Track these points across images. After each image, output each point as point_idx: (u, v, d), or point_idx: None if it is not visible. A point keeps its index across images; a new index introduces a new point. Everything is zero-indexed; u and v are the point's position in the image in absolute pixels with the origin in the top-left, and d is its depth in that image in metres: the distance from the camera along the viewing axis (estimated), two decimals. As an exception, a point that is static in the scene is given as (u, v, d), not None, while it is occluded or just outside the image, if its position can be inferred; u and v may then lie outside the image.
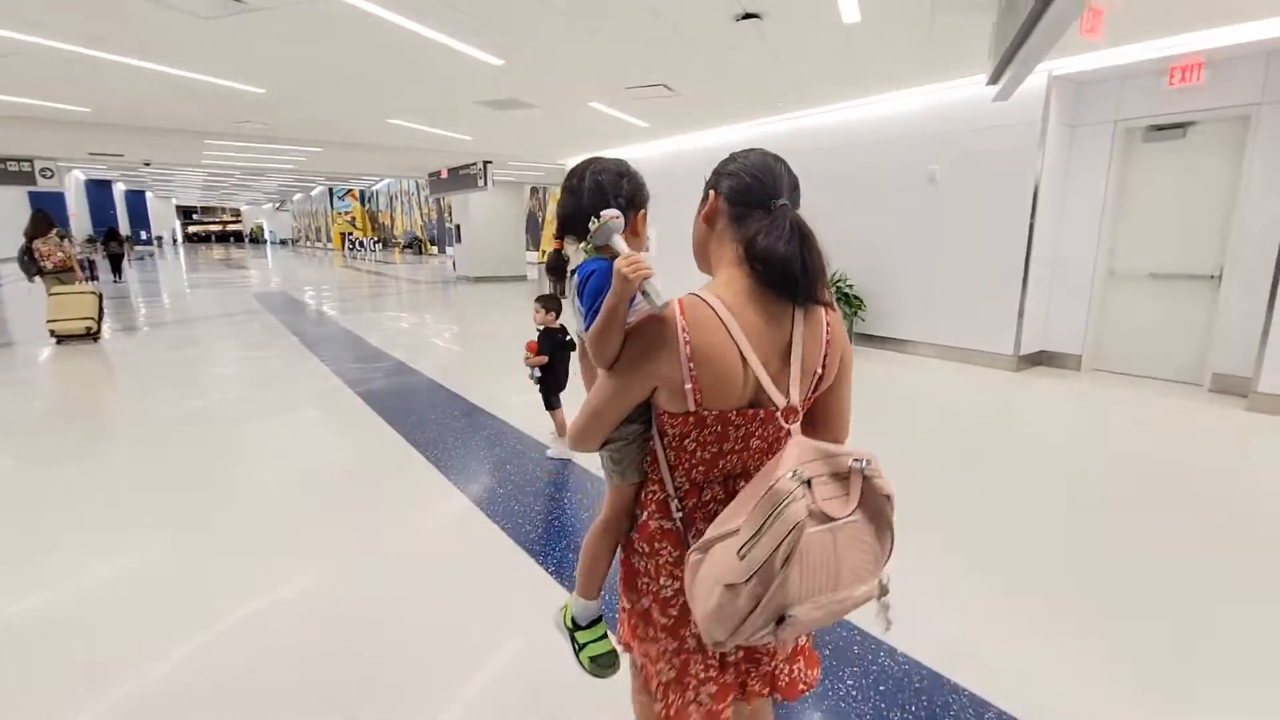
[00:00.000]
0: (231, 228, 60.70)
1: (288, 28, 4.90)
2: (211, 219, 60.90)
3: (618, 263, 1.05)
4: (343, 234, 40.52)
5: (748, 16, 4.63)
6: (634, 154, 11.41)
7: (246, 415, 5.01)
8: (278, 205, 53.82)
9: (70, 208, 35.00)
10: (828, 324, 1.15)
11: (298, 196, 45.98)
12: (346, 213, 41.53)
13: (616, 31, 5.01)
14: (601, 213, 1.15)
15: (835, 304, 1.17)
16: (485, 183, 13.38)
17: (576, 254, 1.24)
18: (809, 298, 1.09)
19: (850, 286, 7.73)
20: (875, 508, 0.98)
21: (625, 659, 1.41)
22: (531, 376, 3.84)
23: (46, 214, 8.53)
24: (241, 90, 7.02)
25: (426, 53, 5.52)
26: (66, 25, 4.93)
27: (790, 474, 0.92)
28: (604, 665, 1.38)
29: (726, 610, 0.94)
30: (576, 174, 1.28)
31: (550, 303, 3.74)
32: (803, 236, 1.08)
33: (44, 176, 12.42)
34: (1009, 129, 6.46)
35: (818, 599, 0.93)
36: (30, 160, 12.52)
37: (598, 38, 5.15)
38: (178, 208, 57.34)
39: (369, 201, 40.15)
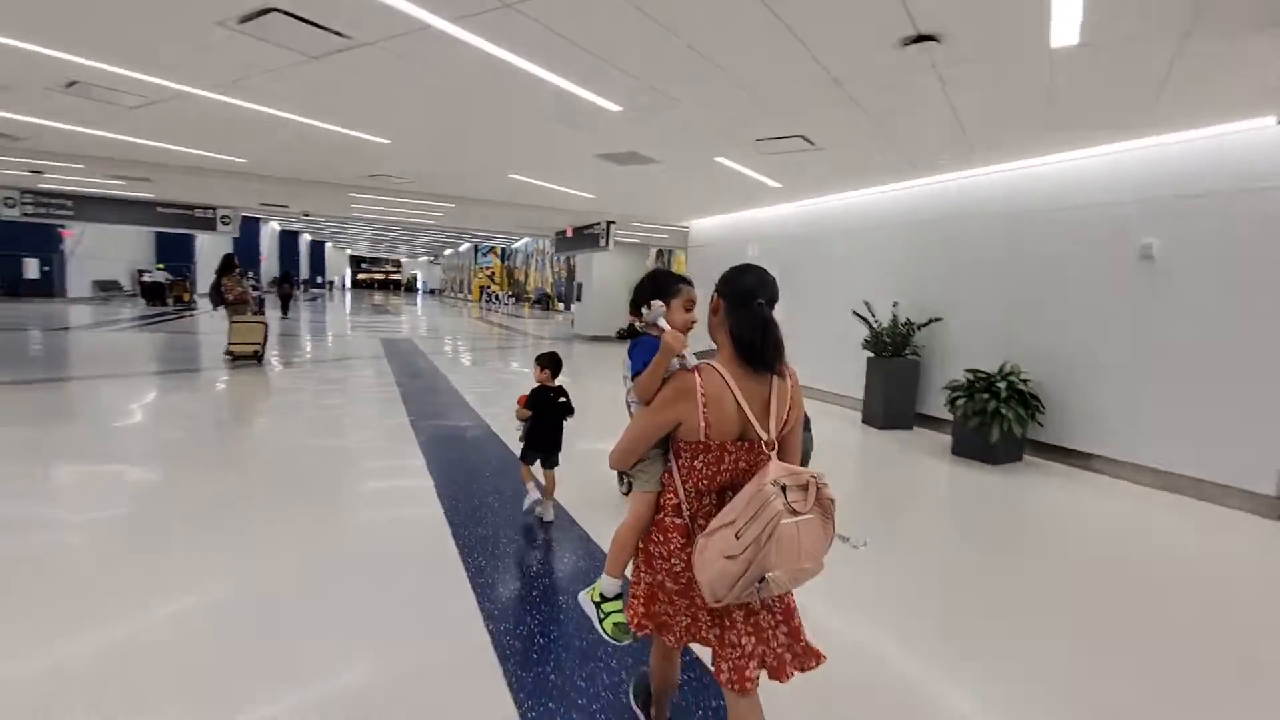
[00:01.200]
0: (392, 277, 67.65)
1: (398, 70, 4.59)
2: (376, 268, 68.10)
3: (665, 336, 1.72)
4: (481, 287, 43.13)
5: (920, 39, 3.62)
6: (768, 215, 10.53)
7: (302, 458, 4.86)
8: (432, 259, 58.80)
9: (263, 253, 40.49)
10: (792, 387, 1.76)
11: (448, 251, 49.90)
12: (487, 268, 44.25)
13: (748, 68, 4.20)
14: (651, 302, 1.83)
15: (791, 370, 1.76)
16: (607, 243, 13.08)
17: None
18: (767, 368, 1.69)
19: (1025, 382, 6.18)
20: (824, 508, 1.58)
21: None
22: (521, 437, 3.93)
23: (232, 257, 10.99)
24: (368, 141, 7.02)
25: (542, 96, 5.04)
26: (206, 71, 4.96)
27: (772, 482, 1.52)
28: (622, 630, 1.81)
29: (726, 574, 1.52)
30: (645, 278, 1.94)
31: (548, 361, 3.82)
32: (765, 326, 1.67)
33: (223, 223, 13.73)
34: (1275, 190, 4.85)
35: (787, 566, 1.51)
36: (213, 208, 13.95)
37: (724, 77, 4.36)
38: (350, 257, 64.78)
39: (508, 258, 42.50)
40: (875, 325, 7.73)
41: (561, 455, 3.97)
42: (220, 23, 3.90)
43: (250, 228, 37.75)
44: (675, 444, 1.72)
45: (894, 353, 7.56)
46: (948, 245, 7.44)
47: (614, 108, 5.22)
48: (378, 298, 46.49)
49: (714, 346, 1.82)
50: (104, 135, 7.37)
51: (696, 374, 1.67)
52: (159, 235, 30.16)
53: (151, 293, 23.65)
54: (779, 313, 1.74)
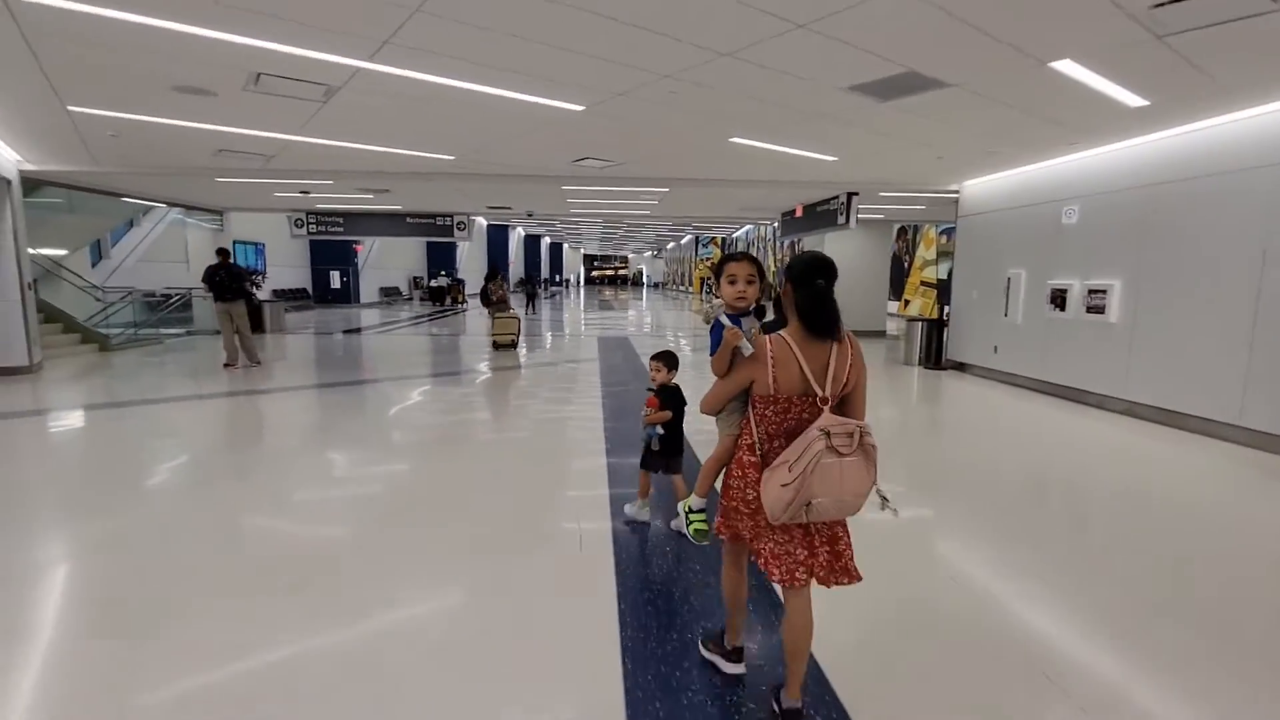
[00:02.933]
0: (620, 273, 72.17)
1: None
2: (606, 265, 73.12)
3: (726, 333, 2.09)
4: (702, 279, 42.39)
5: None
6: (1098, 162, 7.38)
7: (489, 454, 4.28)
8: (655, 253, 60.59)
9: (511, 256, 45.07)
10: (852, 353, 2.07)
11: (670, 245, 50.52)
12: (708, 259, 43.40)
13: None
14: (712, 301, 2.33)
15: (853, 339, 2.10)
16: (848, 219, 10.72)
17: (715, 309, 2.31)
18: (827, 335, 2.02)
19: None
20: (866, 453, 1.92)
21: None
22: (648, 438, 3.60)
23: (496, 265, 14.16)
24: (561, 110, 5.85)
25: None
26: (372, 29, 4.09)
27: (819, 429, 1.89)
28: (703, 534, 2.33)
29: (781, 498, 1.91)
30: (718, 264, 2.36)
31: (669, 360, 3.64)
32: (824, 301, 2.01)
33: (459, 229, 14.34)
34: None
35: (829, 496, 1.89)
36: (450, 216, 14.58)
37: None
38: (584, 256, 70.15)
39: (729, 248, 41.14)
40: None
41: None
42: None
43: (499, 235, 41.71)
44: (752, 397, 2.09)
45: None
46: None
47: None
48: (607, 292, 49.43)
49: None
50: (318, 143, 7.31)
51: (769, 341, 2.02)
52: (429, 247, 34.41)
53: (435, 295, 27.71)
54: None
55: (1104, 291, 7.07)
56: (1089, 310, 7.28)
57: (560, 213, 16.37)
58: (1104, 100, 5.19)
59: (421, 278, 34.01)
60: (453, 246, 34.46)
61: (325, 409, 7.20)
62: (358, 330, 16.37)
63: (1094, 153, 7.29)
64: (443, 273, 31.82)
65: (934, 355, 10.45)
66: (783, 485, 1.89)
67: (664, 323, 20.51)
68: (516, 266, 44.63)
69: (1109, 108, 5.41)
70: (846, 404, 2.06)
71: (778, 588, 2.29)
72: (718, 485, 2.27)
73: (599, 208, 14.81)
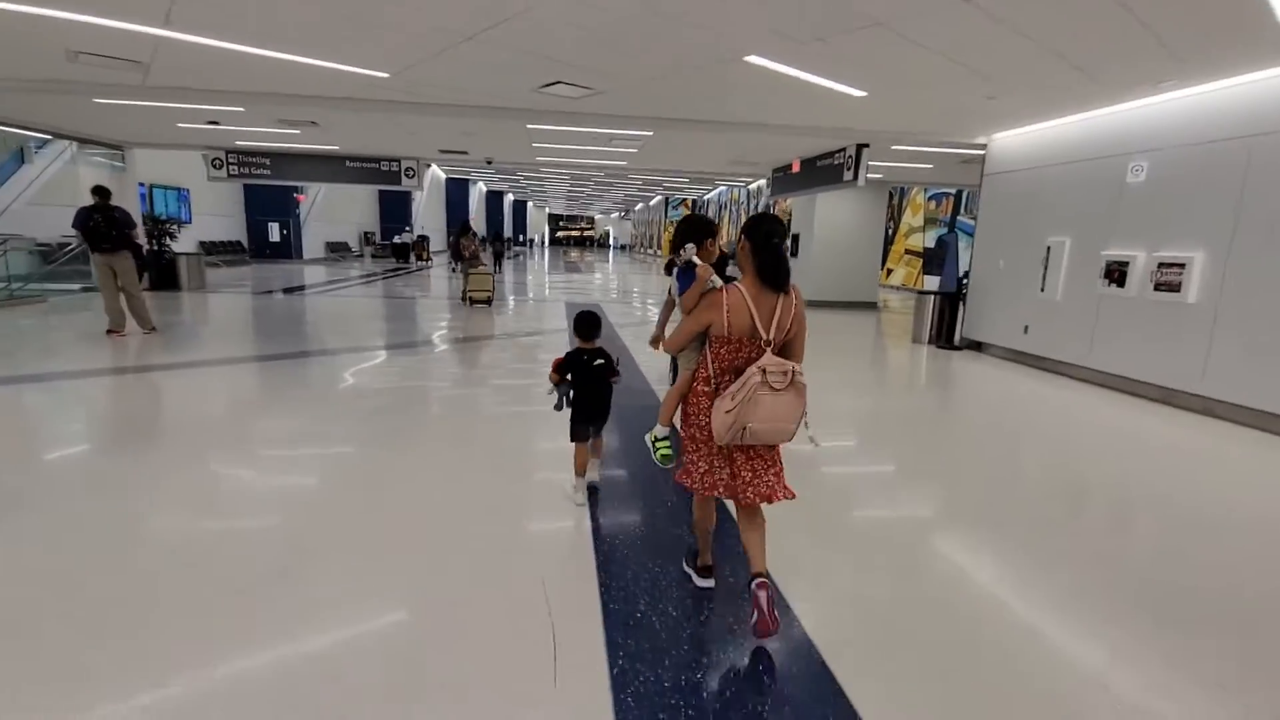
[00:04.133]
0: (586, 234, 69.62)
1: None
2: (572, 225, 70.36)
3: (699, 270, 2.46)
4: (672, 241, 40.81)
5: None
6: (1179, 108, 6.13)
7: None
8: (623, 214, 58.63)
9: (471, 213, 42.35)
10: (796, 305, 2.36)
11: (639, 206, 48.61)
12: (678, 223, 41.79)
13: None
14: (686, 245, 2.64)
15: (797, 291, 2.38)
16: (855, 175, 9.36)
17: (688, 253, 2.63)
18: (778, 288, 2.32)
19: None
20: (797, 388, 2.26)
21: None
22: (556, 406, 3.36)
23: (466, 222, 14.26)
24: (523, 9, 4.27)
25: None
26: None
27: (756, 367, 2.22)
28: (668, 459, 2.62)
29: (724, 423, 2.24)
30: (681, 224, 2.86)
31: (584, 324, 3.39)
32: (779, 258, 2.31)
33: (408, 176, 12.53)
34: None
35: (764, 423, 2.23)
36: (396, 160, 12.71)
37: None
38: (549, 215, 67.29)
39: (699, 210, 39.66)
40: None
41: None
42: None
43: (458, 190, 38.90)
44: (709, 337, 2.39)
45: None
46: None
47: None
48: (573, 254, 47.59)
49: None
50: (201, 44, 5.55)
51: (724, 292, 2.33)
52: (381, 200, 31.64)
53: (399, 252, 25.63)
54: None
55: (1180, 266, 5.91)
56: (1158, 287, 6.12)
57: (525, 161, 14.57)
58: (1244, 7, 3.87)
59: (374, 233, 31.35)
60: (407, 199, 31.98)
61: (243, 392, 5.61)
62: (300, 289, 14.47)
63: (1172, 97, 6.04)
64: (406, 228, 29.42)
65: (945, 333, 9.31)
66: (725, 411, 2.25)
67: (631, 287, 19.07)
68: (478, 224, 42.23)
69: (1243, 16, 4.09)
70: (788, 349, 2.39)
71: (729, 505, 2.96)
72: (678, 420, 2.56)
73: (569, 156, 13.11)
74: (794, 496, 2.42)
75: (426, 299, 13.78)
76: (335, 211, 27.84)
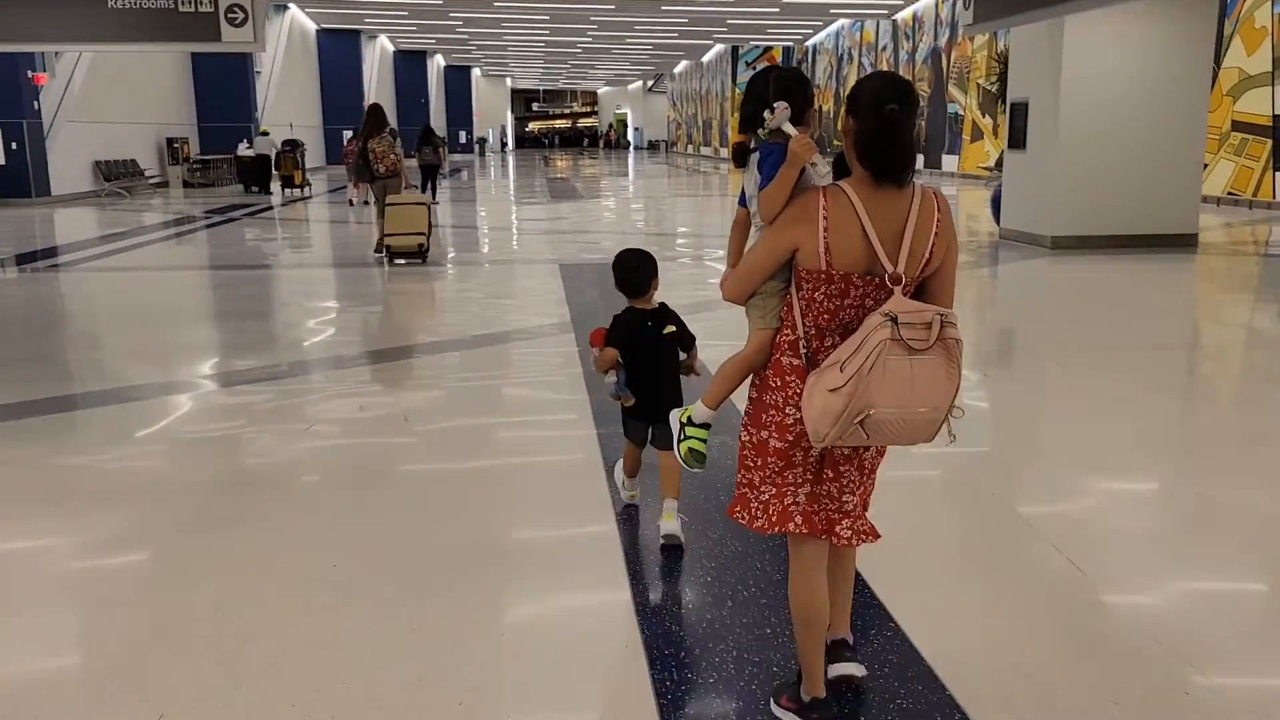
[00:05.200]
0: (582, 123, 44.62)
1: None
2: (558, 109, 45.43)
3: (792, 143, 1.39)
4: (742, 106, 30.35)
5: None
6: None
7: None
8: (650, 84, 37.42)
9: (368, 91, 27.22)
10: (938, 218, 1.40)
11: (680, 67, 31.17)
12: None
13: None
14: (774, 104, 1.43)
15: (940, 196, 1.43)
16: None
17: (779, 119, 1.47)
18: (893, 178, 1.36)
19: None
20: (949, 350, 1.31)
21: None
22: (613, 394, 2.48)
23: (381, 109, 8.46)
24: None
25: None
26: None
27: (882, 315, 1.27)
28: (696, 458, 1.75)
29: (829, 408, 1.29)
30: (760, 79, 1.53)
31: (635, 263, 2.48)
32: (893, 129, 1.32)
33: (230, 21, 8.19)
34: None
35: (896, 408, 1.28)
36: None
37: None
38: (513, 92, 40.73)
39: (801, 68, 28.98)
40: None
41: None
42: None
43: (343, 48, 26.40)
44: (796, 273, 1.46)
45: None
46: None
47: None
48: (560, 162, 31.25)
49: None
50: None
51: (822, 194, 1.39)
52: (195, 72, 19.88)
53: (252, 173, 16.75)
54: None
55: None
56: None
57: None
58: None
59: (185, 139, 18.85)
60: (244, 71, 19.93)
61: None
62: (37, 260, 9.12)
63: None
64: (264, 130, 18.54)
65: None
66: (831, 390, 1.32)
67: (676, 222, 13.68)
68: (385, 107, 28.05)
69: None
70: (926, 290, 1.47)
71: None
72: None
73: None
74: (879, 538, 1.62)
75: (303, 264, 9.46)
76: (109, 104, 16.36)
